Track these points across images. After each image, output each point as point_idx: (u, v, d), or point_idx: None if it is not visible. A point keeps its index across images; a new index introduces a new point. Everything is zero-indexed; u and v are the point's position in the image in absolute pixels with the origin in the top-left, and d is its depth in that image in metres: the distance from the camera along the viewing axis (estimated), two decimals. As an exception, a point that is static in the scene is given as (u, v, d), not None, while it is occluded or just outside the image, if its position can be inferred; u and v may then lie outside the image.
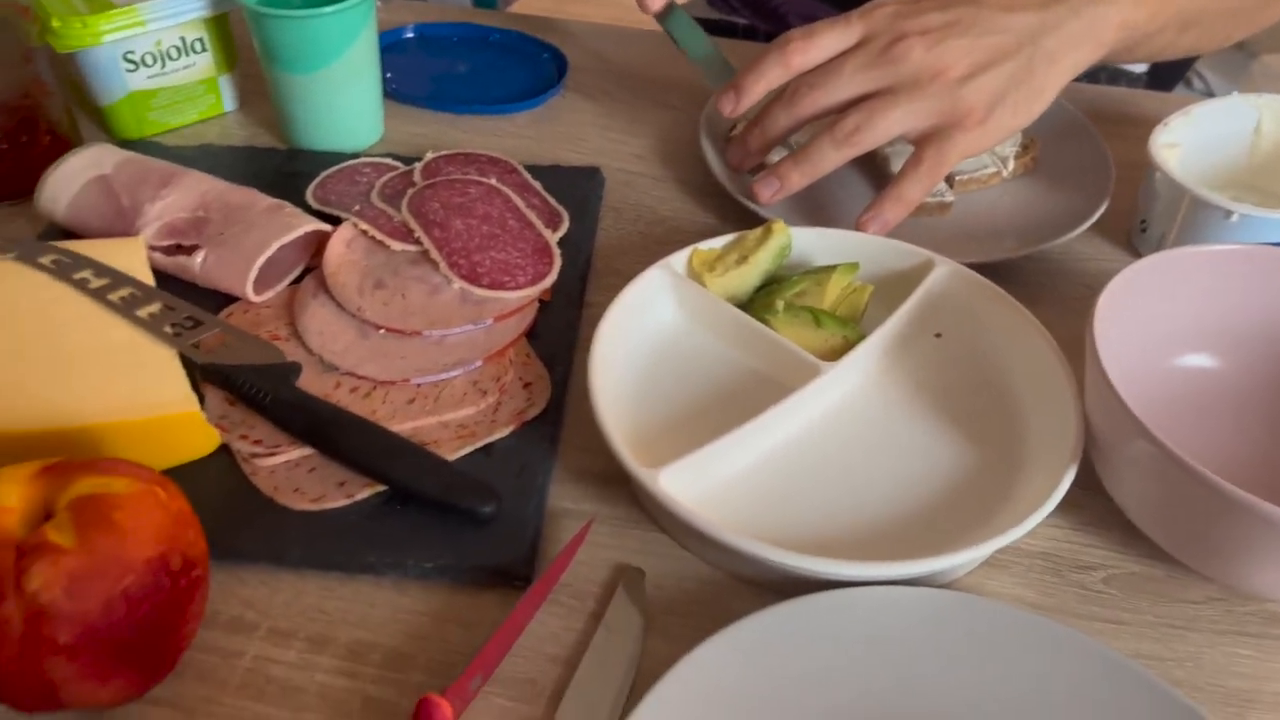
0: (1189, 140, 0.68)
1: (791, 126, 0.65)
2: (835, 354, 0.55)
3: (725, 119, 0.71)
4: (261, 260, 0.59)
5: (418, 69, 0.84)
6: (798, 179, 0.64)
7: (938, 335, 0.59)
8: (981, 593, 0.49)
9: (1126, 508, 0.50)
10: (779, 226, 0.59)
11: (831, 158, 0.63)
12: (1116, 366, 0.48)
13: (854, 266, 0.59)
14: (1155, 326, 0.55)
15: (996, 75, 0.61)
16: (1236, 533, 0.44)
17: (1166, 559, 0.50)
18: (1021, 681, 0.43)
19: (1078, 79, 0.63)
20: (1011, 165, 0.72)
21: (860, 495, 0.51)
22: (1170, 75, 1.23)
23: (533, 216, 0.65)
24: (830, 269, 0.58)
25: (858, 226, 0.63)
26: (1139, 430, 0.44)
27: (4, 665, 0.37)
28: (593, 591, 0.48)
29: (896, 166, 0.71)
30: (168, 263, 0.60)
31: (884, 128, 0.61)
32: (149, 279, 0.56)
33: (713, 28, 1.07)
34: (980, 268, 0.60)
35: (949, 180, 0.71)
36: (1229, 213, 0.61)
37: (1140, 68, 1.13)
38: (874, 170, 0.73)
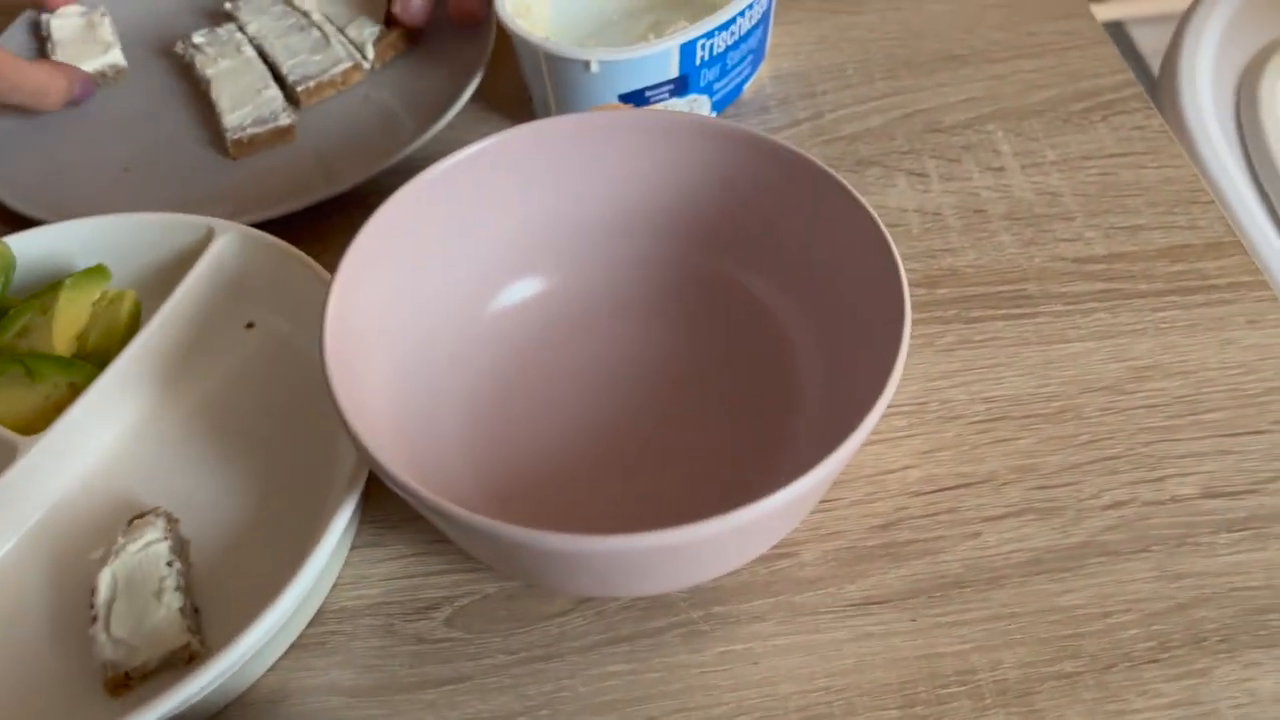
0: (558, -26, 0.55)
1: None
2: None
3: None
4: None
5: None
6: None
7: (249, 325, 0.45)
8: (287, 691, 0.36)
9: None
10: (-18, 243, 0.43)
11: None
12: (380, 360, 0.35)
13: (98, 272, 0.43)
14: (457, 269, 0.42)
15: None
16: (517, 552, 0.32)
17: (516, 569, 0.38)
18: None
19: None
20: (372, 51, 0.57)
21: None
22: None
23: None
24: (56, 287, 0.42)
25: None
26: (372, 463, 0.32)
27: None
28: None
29: (217, 93, 0.54)
30: None
31: None
32: None
33: None
34: (358, 192, 0.47)
35: (290, 96, 0.55)
36: (587, 64, 0.48)
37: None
38: (201, 98, 0.56)
